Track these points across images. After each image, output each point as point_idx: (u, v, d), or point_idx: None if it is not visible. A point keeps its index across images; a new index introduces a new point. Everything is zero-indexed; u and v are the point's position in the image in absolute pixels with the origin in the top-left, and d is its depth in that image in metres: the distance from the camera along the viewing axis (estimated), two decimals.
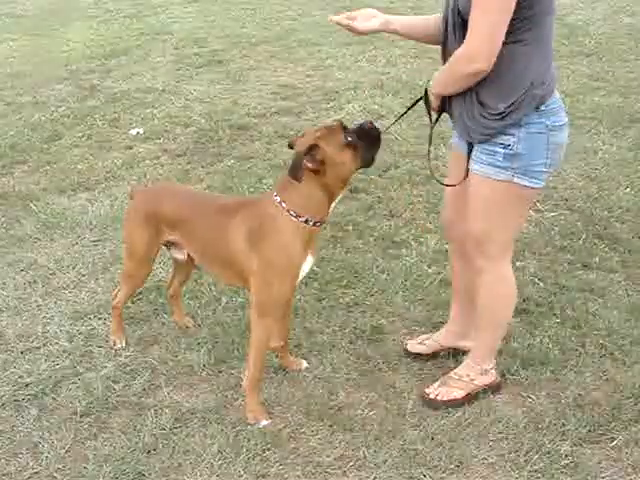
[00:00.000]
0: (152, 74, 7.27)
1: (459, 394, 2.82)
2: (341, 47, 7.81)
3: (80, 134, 5.78)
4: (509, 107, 2.35)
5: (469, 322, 2.97)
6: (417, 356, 3.08)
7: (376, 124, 2.63)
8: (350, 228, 4.14)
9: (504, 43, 2.27)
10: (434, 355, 3.08)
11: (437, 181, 2.88)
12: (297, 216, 2.57)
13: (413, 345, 3.10)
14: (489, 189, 2.48)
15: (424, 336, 3.14)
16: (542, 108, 2.37)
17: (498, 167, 2.42)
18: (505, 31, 2.24)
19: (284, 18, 9.51)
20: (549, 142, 2.41)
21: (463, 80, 2.38)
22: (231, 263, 2.73)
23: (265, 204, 2.65)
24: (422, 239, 4.01)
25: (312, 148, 2.48)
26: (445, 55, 2.50)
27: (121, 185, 4.83)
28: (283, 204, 2.58)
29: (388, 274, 3.68)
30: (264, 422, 2.77)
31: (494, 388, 2.88)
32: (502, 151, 2.40)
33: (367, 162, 2.62)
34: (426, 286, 3.57)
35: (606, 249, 3.88)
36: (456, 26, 2.40)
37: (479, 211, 2.55)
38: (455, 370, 2.90)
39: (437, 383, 2.88)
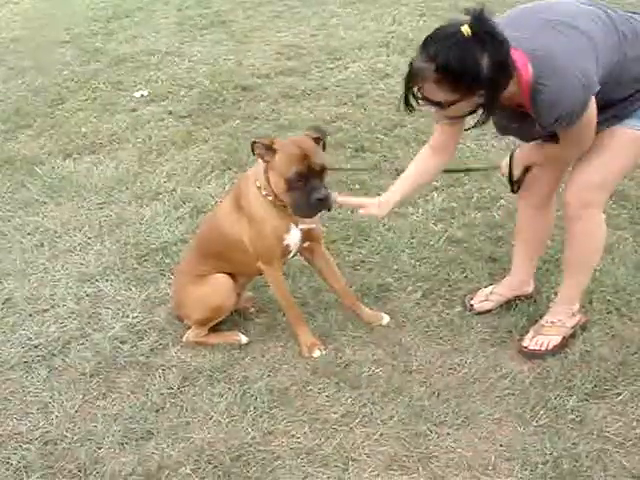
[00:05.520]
0: (155, 36, 7.19)
1: (557, 340, 2.87)
2: (346, 6, 7.68)
3: (84, 97, 5.76)
4: None
5: (532, 268, 3.15)
6: (484, 313, 3.11)
7: (332, 207, 2.67)
8: (357, 187, 4.12)
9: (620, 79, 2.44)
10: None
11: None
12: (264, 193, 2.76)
13: (481, 305, 3.12)
14: (635, 141, 2.60)
15: (484, 292, 3.16)
16: None
17: None
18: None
19: None
20: None
21: None
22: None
23: (244, 181, 2.85)
24: (428, 197, 3.98)
25: (269, 148, 2.64)
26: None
27: (126, 148, 4.83)
28: (256, 182, 2.78)
29: (394, 232, 3.67)
30: (317, 353, 2.90)
31: (583, 326, 2.95)
32: None
33: (292, 209, 2.70)
34: (432, 244, 3.56)
35: (614, 206, 3.83)
36: None
37: (609, 163, 2.63)
38: (545, 317, 2.94)
39: (530, 334, 2.91)
